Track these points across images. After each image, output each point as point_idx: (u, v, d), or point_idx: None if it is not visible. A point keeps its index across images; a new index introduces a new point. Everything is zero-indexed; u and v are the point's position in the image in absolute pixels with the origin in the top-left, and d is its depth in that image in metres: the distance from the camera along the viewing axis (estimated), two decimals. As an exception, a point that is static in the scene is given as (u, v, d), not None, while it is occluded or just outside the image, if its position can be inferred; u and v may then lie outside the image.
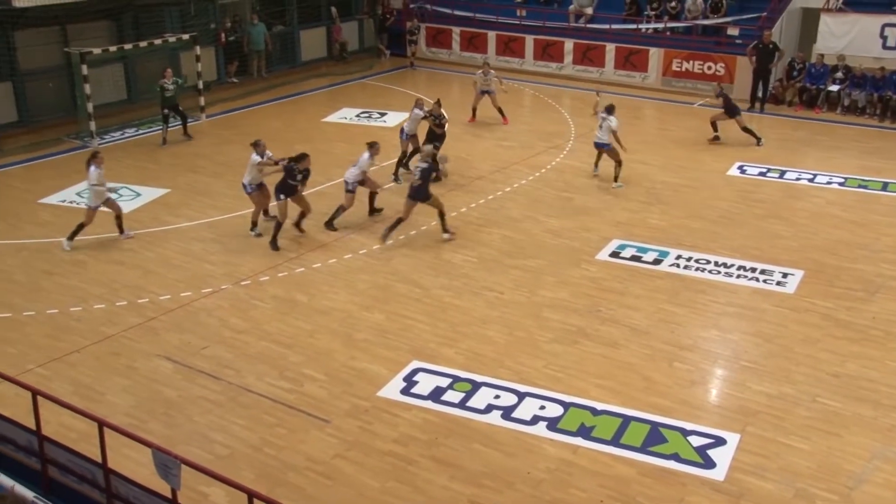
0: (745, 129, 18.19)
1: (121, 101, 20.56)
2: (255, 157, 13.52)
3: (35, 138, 18.38)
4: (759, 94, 20.93)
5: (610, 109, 15.82)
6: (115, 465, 6.86)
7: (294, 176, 13.14)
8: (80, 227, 13.23)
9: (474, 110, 19.70)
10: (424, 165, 13.44)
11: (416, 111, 16.04)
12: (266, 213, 14.07)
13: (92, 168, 13.13)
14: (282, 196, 13.19)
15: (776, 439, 8.76)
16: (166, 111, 18.30)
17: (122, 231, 13.53)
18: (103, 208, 13.36)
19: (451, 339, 10.67)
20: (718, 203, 15.11)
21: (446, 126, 16.21)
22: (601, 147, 15.91)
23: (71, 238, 13.21)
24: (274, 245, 13.17)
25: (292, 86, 23.30)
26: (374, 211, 14.46)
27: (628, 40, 23.41)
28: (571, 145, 18.30)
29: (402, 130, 16.27)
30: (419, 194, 13.35)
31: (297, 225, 13.61)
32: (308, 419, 9.09)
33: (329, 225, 13.91)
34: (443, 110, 16.29)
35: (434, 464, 8.42)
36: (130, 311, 11.36)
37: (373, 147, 14.00)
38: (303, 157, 13.23)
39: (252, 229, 13.80)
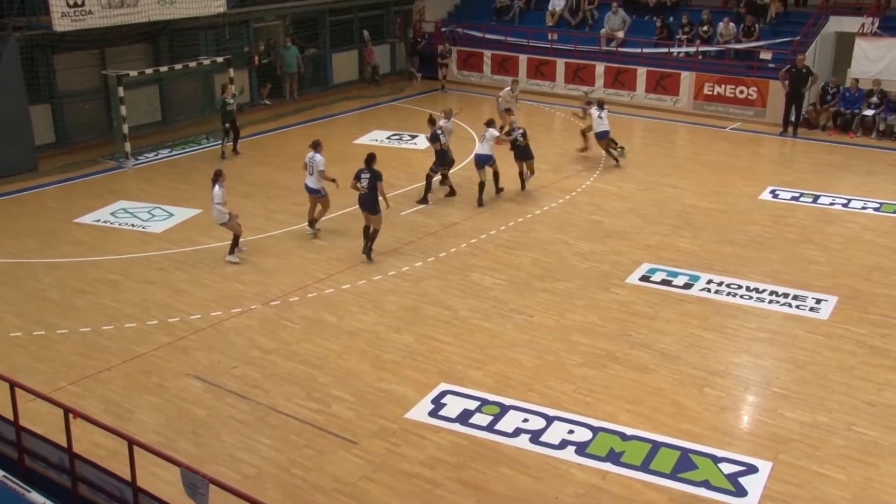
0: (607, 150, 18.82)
1: (155, 122, 20.88)
2: (320, 159, 13.99)
3: (71, 159, 18.71)
4: (792, 118, 20.77)
5: (601, 104, 18.23)
6: (144, 483, 6.89)
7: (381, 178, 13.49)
8: (236, 238, 13.56)
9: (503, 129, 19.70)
10: (522, 129, 16.57)
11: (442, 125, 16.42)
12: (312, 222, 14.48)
13: (216, 188, 13.26)
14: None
15: (810, 468, 8.61)
16: (227, 125, 18.70)
17: (232, 251, 13.61)
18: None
19: (480, 362, 10.63)
20: (750, 227, 14.97)
21: (442, 140, 16.06)
22: (606, 137, 18.09)
23: (232, 252, 13.56)
24: (369, 256, 13.47)
25: (323, 108, 23.50)
26: (499, 190, 16.40)
27: (660, 64, 23.39)
28: (602, 169, 18.26)
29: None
30: (527, 153, 16.46)
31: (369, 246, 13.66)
32: (336, 440, 9.08)
33: (480, 202, 15.86)
34: (436, 126, 16.22)
35: (461, 487, 8.37)
36: (161, 330, 11.45)
37: (493, 123, 16.24)
38: (373, 156, 13.61)
39: (311, 226, 14.33)
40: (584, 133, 19.07)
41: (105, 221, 15.35)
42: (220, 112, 18.70)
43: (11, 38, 17.40)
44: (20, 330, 11.45)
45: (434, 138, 16.04)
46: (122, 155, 18.54)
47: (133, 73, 18.56)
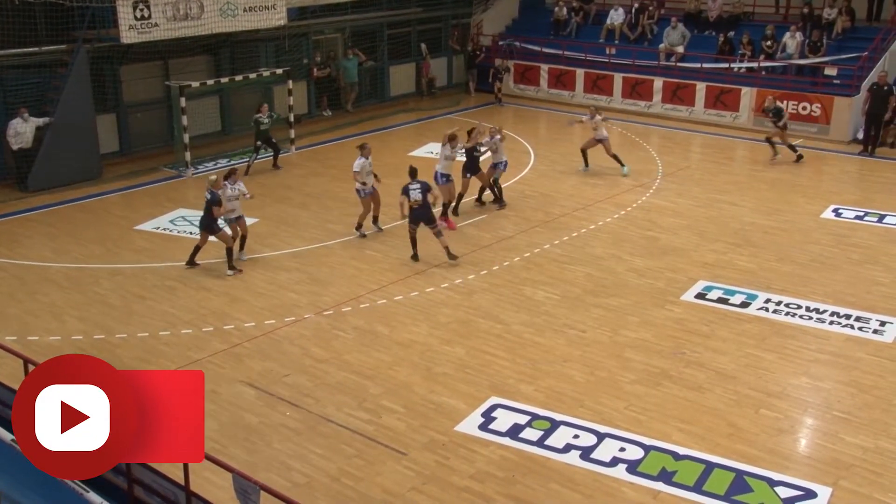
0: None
1: (215, 132, 21.25)
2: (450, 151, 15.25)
3: (133, 167, 19.14)
4: (862, 136, 20.23)
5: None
6: (197, 488, 6.96)
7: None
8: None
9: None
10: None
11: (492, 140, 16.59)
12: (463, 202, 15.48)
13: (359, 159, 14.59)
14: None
15: (872, 496, 8.35)
16: (259, 143, 18.80)
17: (359, 228, 14.97)
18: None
19: (531, 377, 10.56)
20: (811, 246, 14.64)
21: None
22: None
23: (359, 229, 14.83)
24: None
25: (380, 120, 23.68)
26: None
27: (720, 79, 23.06)
28: (658, 184, 18.05)
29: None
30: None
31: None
32: (386, 451, 9.09)
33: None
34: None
35: (511, 502, 8.31)
36: (216, 337, 11.61)
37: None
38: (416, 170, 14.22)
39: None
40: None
41: (164, 229, 15.66)
42: (254, 130, 18.72)
43: (81, 49, 17.91)
44: (82, 333, 11.72)
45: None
46: (183, 164, 18.90)
47: (195, 84, 18.94)
